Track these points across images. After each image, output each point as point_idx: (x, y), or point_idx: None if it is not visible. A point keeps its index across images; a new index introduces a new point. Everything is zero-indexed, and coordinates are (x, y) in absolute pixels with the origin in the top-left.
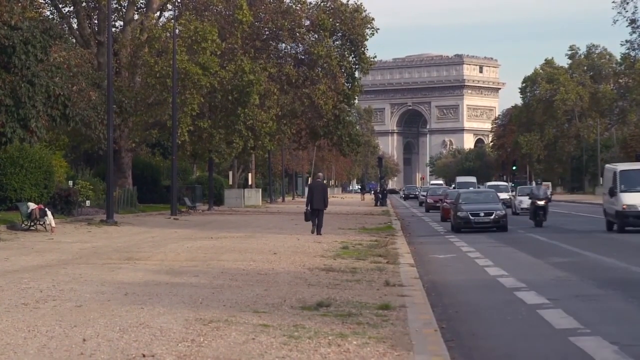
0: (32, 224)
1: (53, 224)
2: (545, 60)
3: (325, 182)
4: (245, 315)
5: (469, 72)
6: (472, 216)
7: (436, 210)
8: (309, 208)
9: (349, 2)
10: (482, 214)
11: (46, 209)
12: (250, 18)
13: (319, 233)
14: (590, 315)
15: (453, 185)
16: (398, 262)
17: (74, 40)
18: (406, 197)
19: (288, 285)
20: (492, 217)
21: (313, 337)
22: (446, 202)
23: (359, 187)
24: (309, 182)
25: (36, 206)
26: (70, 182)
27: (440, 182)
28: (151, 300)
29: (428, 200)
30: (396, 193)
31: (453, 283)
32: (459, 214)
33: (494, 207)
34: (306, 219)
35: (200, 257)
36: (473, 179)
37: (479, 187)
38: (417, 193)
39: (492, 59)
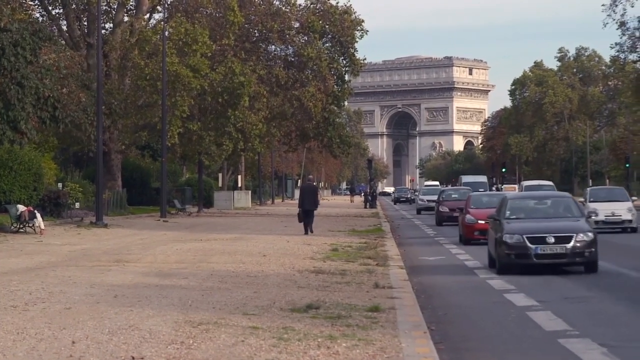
0: (21, 226)
1: (42, 226)
2: (535, 62)
3: (315, 184)
4: (235, 318)
5: (459, 74)
6: (531, 243)
7: (453, 223)
8: (300, 209)
9: (339, 4)
10: (550, 240)
11: (35, 211)
12: (241, 19)
13: (310, 231)
14: (579, 317)
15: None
16: (387, 264)
17: (64, 42)
18: (396, 201)
19: (277, 287)
20: (569, 245)
21: (302, 339)
22: (470, 213)
23: (347, 188)
24: (300, 184)
25: (25, 208)
26: (60, 184)
27: (436, 183)
28: (140, 303)
29: (442, 209)
30: (387, 195)
31: (442, 285)
32: (506, 239)
33: (572, 226)
34: (299, 220)
35: (190, 259)
36: (483, 179)
37: (492, 190)
38: (408, 196)
39: (481, 61)
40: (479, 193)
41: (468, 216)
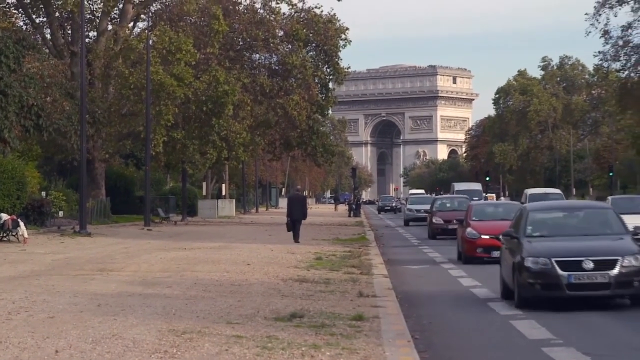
0: (4, 234)
1: (26, 235)
2: (519, 71)
3: (304, 193)
4: (219, 327)
5: (443, 82)
6: (563, 270)
7: (449, 237)
8: (289, 219)
9: (323, 13)
10: (588, 266)
11: (19, 220)
12: (225, 28)
13: (297, 241)
14: (562, 326)
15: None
16: (371, 272)
17: (48, 51)
18: (381, 210)
19: (261, 296)
20: (613, 272)
21: (286, 348)
22: (472, 226)
23: (331, 197)
24: (287, 194)
25: (9, 217)
26: (43, 193)
27: (421, 191)
28: (124, 312)
29: (435, 221)
30: (374, 204)
31: (426, 294)
32: (529, 263)
33: (616, 246)
34: (288, 230)
35: (174, 268)
36: (478, 187)
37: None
38: (393, 205)
39: (465, 69)
40: (482, 202)
41: (469, 230)
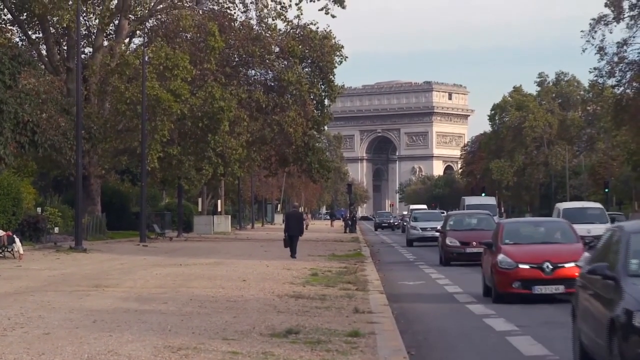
0: (0, 251)
1: (21, 251)
2: (514, 87)
3: (301, 210)
4: (214, 343)
5: (438, 99)
6: None
7: (467, 261)
8: (286, 235)
9: (319, 30)
10: None
11: (14, 236)
12: (222, 44)
13: (293, 256)
14: (559, 342)
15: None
16: (367, 289)
17: (43, 67)
18: (378, 227)
19: (257, 312)
20: None
21: None
22: (504, 252)
23: (327, 213)
24: (285, 210)
25: (4, 233)
26: (39, 209)
27: (424, 206)
28: (120, 328)
29: (449, 242)
30: (370, 220)
31: (422, 310)
32: None
33: None
34: (285, 245)
35: (169, 284)
36: (492, 201)
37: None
38: (391, 221)
39: (461, 86)
40: (517, 221)
41: (502, 257)
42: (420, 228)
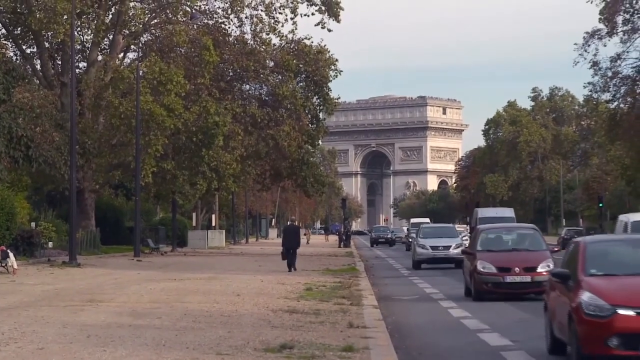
0: None
1: (15, 266)
2: (508, 102)
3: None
4: (209, 358)
5: (433, 113)
6: None
7: (505, 292)
8: (284, 248)
9: (313, 44)
10: None
11: (8, 251)
12: (216, 58)
13: (294, 268)
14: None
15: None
16: (362, 303)
17: (38, 81)
18: (374, 242)
19: (251, 327)
20: None
21: None
22: (595, 290)
23: (321, 228)
24: (285, 226)
25: None
26: (33, 224)
27: (426, 220)
28: (114, 343)
29: (481, 268)
30: (364, 234)
31: (416, 324)
32: None
33: None
34: (283, 258)
35: (163, 299)
36: (510, 213)
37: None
38: (389, 236)
39: (455, 100)
40: (606, 239)
41: (589, 297)
42: (430, 246)
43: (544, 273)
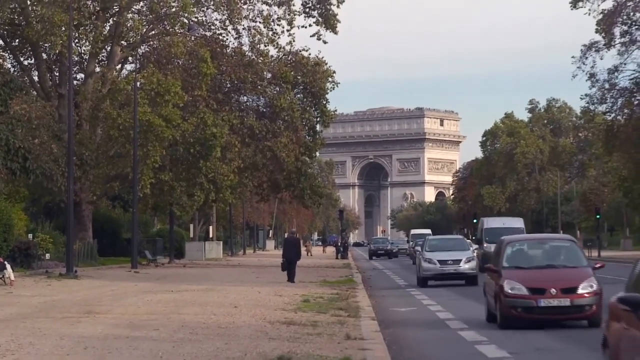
0: None
1: (12, 278)
2: (506, 113)
3: (297, 235)
4: None
5: (430, 125)
6: None
7: (538, 318)
8: (284, 260)
9: (311, 56)
10: None
11: (5, 262)
12: (213, 70)
13: (292, 281)
14: None
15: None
16: (359, 315)
17: (35, 93)
18: (373, 254)
19: (249, 338)
20: None
21: None
22: None
23: (319, 239)
24: (285, 237)
25: None
26: (30, 235)
27: (428, 231)
28: (111, 355)
29: (508, 290)
30: (361, 246)
31: (414, 336)
32: None
33: None
34: (282, 269)
35: (161, 311)
36: (519, 223)
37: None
38: (388, 248)
39: (452, 112)
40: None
41: None
42: (438, 261)
43: (586, 295)
